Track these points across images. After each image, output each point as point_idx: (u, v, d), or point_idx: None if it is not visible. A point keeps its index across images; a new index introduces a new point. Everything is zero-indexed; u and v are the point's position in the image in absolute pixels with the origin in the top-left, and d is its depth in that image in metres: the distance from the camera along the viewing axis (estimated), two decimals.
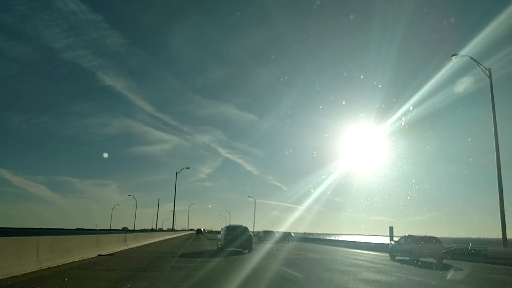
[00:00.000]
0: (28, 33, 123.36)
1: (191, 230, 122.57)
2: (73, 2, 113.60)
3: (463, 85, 27.35)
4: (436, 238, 18.20)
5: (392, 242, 20.59)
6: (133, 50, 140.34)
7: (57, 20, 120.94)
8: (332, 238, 65.43)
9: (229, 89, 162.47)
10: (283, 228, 50.39)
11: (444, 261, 17.84)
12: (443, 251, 17.72)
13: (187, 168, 59.94)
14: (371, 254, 24.42)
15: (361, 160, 38.65)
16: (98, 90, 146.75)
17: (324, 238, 60.85)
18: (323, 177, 37.85)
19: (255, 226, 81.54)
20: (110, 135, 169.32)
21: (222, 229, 24.29)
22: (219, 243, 22.77)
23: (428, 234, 18.33)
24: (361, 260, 17.92)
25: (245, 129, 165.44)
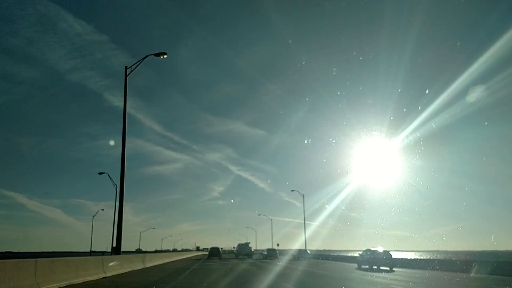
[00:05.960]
0: (35, 56, 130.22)
1: (204, 249, 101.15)
2: (78, 23, 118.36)
3: (475, 98, 28.93)
4: (387, 251, 25.86)
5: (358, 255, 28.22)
6: (140, 69, 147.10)
7: (62, 42, 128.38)
8: (348, 254, 71.57)
9: (237, 106, 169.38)
10: (297, 245, 56.83)
11: (394, 268, 25.39)
12: (387, 261, 25.28)
13: None
14: (353, 265, 31.97)
15: (375, 174, 39.59)
16: (106, 111, 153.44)
17: (336, 255, 67.48)
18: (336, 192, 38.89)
19: (267, 243, 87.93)
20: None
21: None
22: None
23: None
24: (334, 269, 25.78)
25: (255, 146, 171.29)
